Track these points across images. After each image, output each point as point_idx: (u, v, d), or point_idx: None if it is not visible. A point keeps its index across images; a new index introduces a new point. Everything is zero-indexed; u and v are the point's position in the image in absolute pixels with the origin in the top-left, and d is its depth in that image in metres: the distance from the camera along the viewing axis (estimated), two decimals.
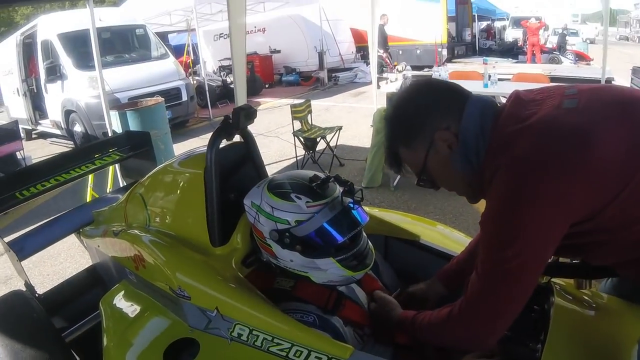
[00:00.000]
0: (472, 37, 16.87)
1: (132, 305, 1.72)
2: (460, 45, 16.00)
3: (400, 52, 14.79)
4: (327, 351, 1.17)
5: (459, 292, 1.52)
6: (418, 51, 14.44)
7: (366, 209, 1.81)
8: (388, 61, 13.09)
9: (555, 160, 0.99)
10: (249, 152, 1.82)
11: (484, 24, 18.94)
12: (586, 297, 1.40)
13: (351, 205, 1.35)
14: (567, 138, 1.02)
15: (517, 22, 18.61)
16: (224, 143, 1.67)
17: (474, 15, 17.34)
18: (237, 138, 1.79)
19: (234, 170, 1.75)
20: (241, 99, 4.34)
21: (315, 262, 1.34)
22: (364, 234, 1.46)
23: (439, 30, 14.22)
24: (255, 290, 1.39)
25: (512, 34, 19.51)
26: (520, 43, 17.15)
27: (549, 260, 1.47)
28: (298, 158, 6.23)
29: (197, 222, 1.61)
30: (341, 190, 1.39)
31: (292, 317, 1.30)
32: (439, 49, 14.22)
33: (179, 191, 1.78)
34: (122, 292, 1.80)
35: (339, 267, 1.34)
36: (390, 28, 13.06)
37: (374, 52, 7.66)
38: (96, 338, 1.68)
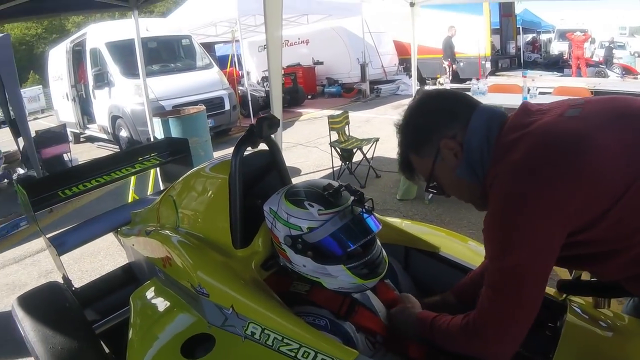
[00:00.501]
0: (516, 50, 16.51)
1: (159, 301, 1.80)
2: (505, 58, 15.67)
3: None
4: (332, 354, 1.20)
5: (472, 305, 1.54)
6: (461, 64, 14.20)
7: (387, 219, 1.83)
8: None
9: (550, 166, 1.00)
10: (273, 159, 1.88)
11: (529, 36, 18.50)
12: (602, 317, 1.38)
13: (362, 214, 1.38)
14: (562, 144, 1.03)
15: (563, 35, 18.06)
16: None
17: (519, 27, 16.96)
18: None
19: (259, 176, 1.81)
20: (277, 109, 4.40)
21: (326, 268, 1.37)
22: (379, 243, 1.47)
23: (483, 42, 14.01)
24: (270, 292, 1.44)
25: (558, 47, 18.91)
26: (565, 56, 16.68)
27: (570, 278, 1.47)
28: (335, 169, 6.26)
29: (221, 225, 1.67)
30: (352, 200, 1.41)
31: (304, 319, 1.34)
32: (483, 62, 14.00)
33: (205, 195, 1.86)
34: (152, 289, 1.89)
35: (349, 275, 1.36)
36: (431, 40, 12.97)
37: (415, 63, 7.65)
38: (125, 331, 1.77)
